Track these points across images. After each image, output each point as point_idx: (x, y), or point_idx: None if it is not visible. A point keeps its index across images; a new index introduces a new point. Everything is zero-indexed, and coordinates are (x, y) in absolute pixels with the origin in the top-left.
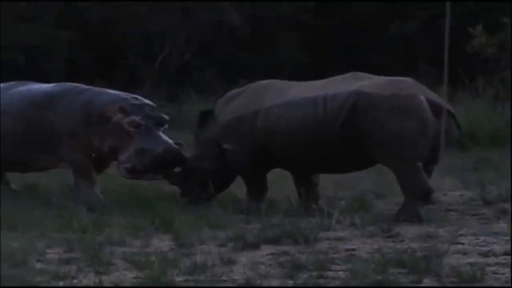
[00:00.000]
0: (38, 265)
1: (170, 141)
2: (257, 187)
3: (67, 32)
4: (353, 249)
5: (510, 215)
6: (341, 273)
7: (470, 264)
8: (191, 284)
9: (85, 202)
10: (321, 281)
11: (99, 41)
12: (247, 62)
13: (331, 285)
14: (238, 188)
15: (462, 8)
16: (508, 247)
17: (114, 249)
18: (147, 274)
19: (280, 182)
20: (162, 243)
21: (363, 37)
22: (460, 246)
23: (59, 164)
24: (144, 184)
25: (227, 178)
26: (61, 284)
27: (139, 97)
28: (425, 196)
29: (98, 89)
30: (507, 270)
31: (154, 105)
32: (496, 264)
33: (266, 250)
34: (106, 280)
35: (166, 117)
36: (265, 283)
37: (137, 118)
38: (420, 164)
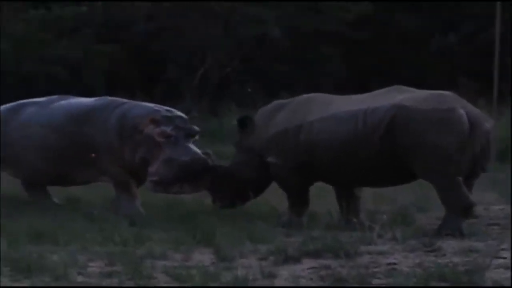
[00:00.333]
0: (80, 278)
1: (198, 151)
2: (299, 201)
3: (108, 46)
4: (394, 263)
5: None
6: (382, 287)
7: None
8: None
9: (127, 216)
10: None
11: (141, 55)
12: (288, 75)
13: None
14: (280, 201)
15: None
16: None
17: (155, 263)
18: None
19: (322, 196)
20: (203, 256)
21: (403, 50)
22: (501, 261)
23: (100, 178)
24: (184, 197)
25: (260, 189)
26: None
27: (172, 109)
28: (466, 210)
29: (134, 102)
30: None
31: (186, 117)
32: None
33: (307, 263)
34: None
35: (197, 128)
36: None
37: (167, 129)
38: (460, 178)
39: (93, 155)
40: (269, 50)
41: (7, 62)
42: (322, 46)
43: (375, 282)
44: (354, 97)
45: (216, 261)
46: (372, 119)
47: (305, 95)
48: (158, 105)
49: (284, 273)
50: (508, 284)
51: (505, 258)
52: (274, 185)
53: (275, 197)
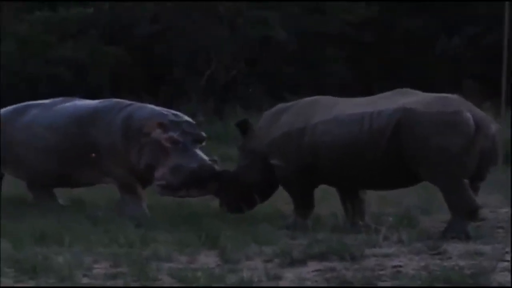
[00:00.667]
0: (85, 280)
1: (205, 157)
2: (304, 203)
3: (114, 48)
4: (400, 266)
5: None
6: None
7: None
8: None
9: (132, 218)
10: None
11: (146, 56)
12: (294, 77)
13: None
14: (285, 204)
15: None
16: None
17: (161, 265)
18: None
19: (327, 199)
20: (208, 259)
21: (409, 52)
22: (507, 264)
23: (104, 179)
24: (190, 200)
25: (268, 192)
26: None
27: (179, 114)
28: (472, 212)
29: (139, 104)
30: None
31: (193, 122)
32: None
33: (313, 266)
34: None
35: (204, 134)
36: None
37: (175, 135)
38: (466, 180)
39: (93, 155)
40: (274, 52)
41: (11, 63)
42: (327, 48)
43: (381, 284)
44: (359, 99)
45: (221, 263)
46: (378, 122)
47: (308, 98)
48: (165, 109)
49: (289, 275)
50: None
51: (510, 261)
52: (278, 188)
53: (280, 199)
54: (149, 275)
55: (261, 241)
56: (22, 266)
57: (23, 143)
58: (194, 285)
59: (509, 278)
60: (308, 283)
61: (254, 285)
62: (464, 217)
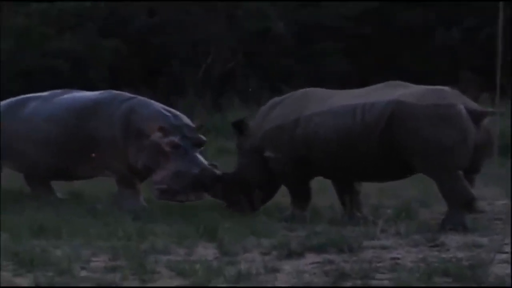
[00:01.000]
0: (83, 273)
1: (205, 161)
2: (301, 195)
3: (112, 40)
4: (398, 258)
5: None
6: (385, 282)
7: None
8: None
9: (130, 211)
10: None
11: (144, 49)
12: (291, 70)
13: None
14: (283, 196)
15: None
16: None
17: (159, 257)
18: (191, 282)
19: (325, 191)
20: (207, 251)
21: (406, 45)
22: (505, 255)
23: (103, 172)
24: None
25: (273, 187)
26: None
27: (179, 115)
28: (468, 204)
29: (141, 99)
30: None
31: (193, 125)
32: None
33: (311, 258)
34: None
35: (204, 138)
36: None
37: (175, 139)
38: (460, 172)
39: (93, 155)
40: (272, 44)
41: (8, 56)
42: (326, 41)
43: (379, 276)
44: (351, 91)
45: (220, 255)
46: (370, 114)
47: (301, 90)
48: (166, 107)
49: (287, 267)
50: (509, 278)
51: (508, 253)
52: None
53: (278, 192)
54: (147, 268)
55: (259, 234)
56: (20, 259)
57: (23, 136)
58: (192, 277)
59: (507, 270)
60: (306, 275)
61: (252, 277)
62: (459, 208)
